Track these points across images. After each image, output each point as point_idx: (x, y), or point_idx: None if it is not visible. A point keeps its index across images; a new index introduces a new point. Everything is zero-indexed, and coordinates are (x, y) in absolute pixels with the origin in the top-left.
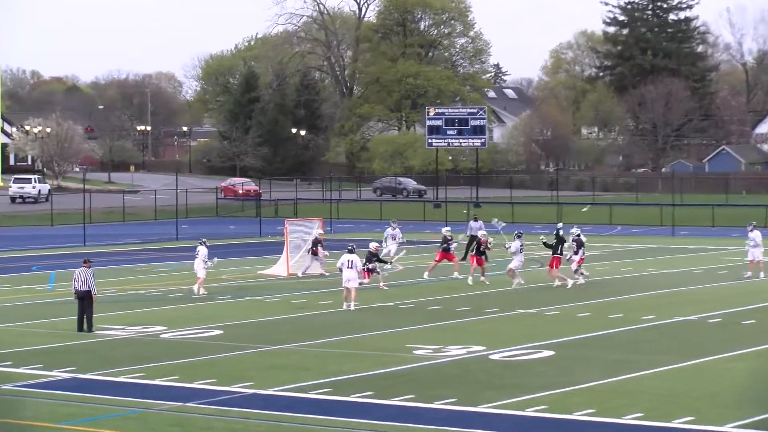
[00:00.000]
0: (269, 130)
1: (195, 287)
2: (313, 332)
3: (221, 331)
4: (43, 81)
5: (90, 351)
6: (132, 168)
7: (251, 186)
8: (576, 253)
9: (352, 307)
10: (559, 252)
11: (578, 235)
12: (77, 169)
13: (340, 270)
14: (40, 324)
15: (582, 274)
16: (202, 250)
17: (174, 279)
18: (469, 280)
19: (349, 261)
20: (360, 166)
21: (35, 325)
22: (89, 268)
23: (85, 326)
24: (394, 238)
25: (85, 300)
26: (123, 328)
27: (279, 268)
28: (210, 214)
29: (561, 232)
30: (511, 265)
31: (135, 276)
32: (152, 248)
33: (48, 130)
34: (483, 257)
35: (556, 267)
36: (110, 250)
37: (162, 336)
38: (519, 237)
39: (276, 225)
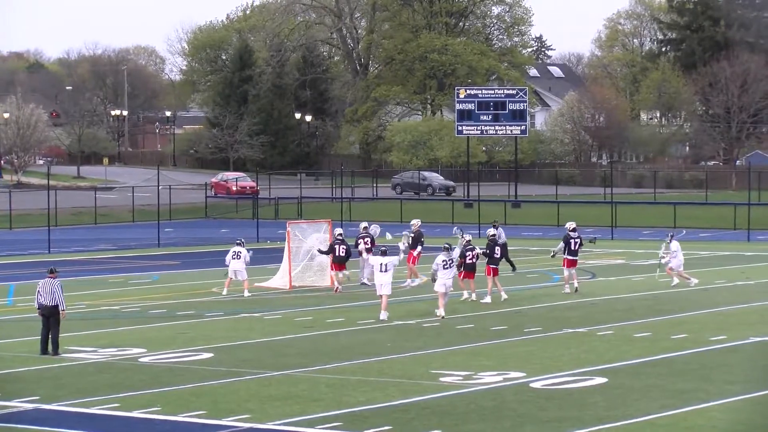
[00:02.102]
0: (268, 115)
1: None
2: (323, 355)
3: (211, 354)
4: (1, 57)
5: (56, 377)
6: (105, 160)
7: (247, 182)
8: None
9: (384, 316)
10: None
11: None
12: (41, 162)
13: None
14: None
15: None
16: (243, 251)
17: (155, 293)
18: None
19: (383, 265)
20: (376, 159)
21: None
22: (55, 279)
23: (50, 348)
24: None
25: (50, 317)
26: (95, 351)
27: (280, 280)
28: (198, 215)
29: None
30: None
31: (109, 289)
32: (130, 255)
33: (6, 115)
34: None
35: (568, 266)
36: (79, 258)
37: (141, 360)
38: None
39: (276, 228)
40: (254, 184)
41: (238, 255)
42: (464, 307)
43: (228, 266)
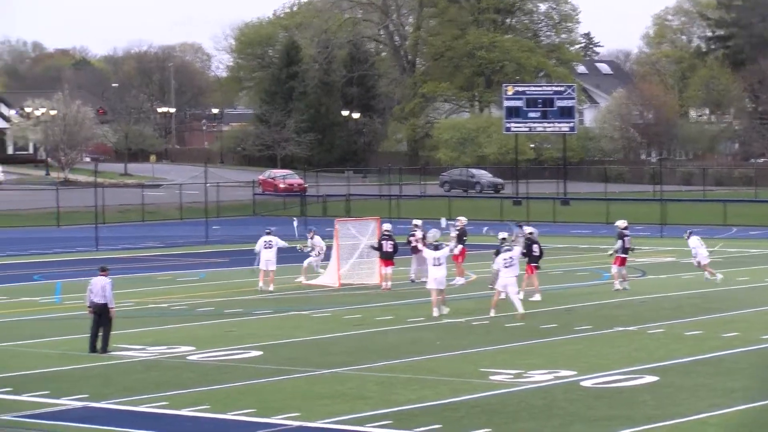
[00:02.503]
0: (315, 112)
1: (268, 285)
2: (371, 353)
3: (260, 353)
4: (47, 54)
5: (105, 375)
6: (152, 158)
7: (294, 179)
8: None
9: (445, 311)
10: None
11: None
12: (87, 159)
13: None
14: (45, 343)
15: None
16: (275, 240)
17: (203, 290)
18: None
19: (436, 258)
20: (424, 156)
21: (39, 344)
22: (107, 277)
23: (99, 346)
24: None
25: (101, 315)
26: (143, 349)
27: (328, 278)
28: (246, 212)
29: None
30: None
31: (157, 287)
32: (177, 253)
33: (53, 112)
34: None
35: (620, 264)
36: (127, 256)
37: (189, 358)
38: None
39: (324, 225)
40: (302, 181)
41: (269, 244)
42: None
43: (258, 255)
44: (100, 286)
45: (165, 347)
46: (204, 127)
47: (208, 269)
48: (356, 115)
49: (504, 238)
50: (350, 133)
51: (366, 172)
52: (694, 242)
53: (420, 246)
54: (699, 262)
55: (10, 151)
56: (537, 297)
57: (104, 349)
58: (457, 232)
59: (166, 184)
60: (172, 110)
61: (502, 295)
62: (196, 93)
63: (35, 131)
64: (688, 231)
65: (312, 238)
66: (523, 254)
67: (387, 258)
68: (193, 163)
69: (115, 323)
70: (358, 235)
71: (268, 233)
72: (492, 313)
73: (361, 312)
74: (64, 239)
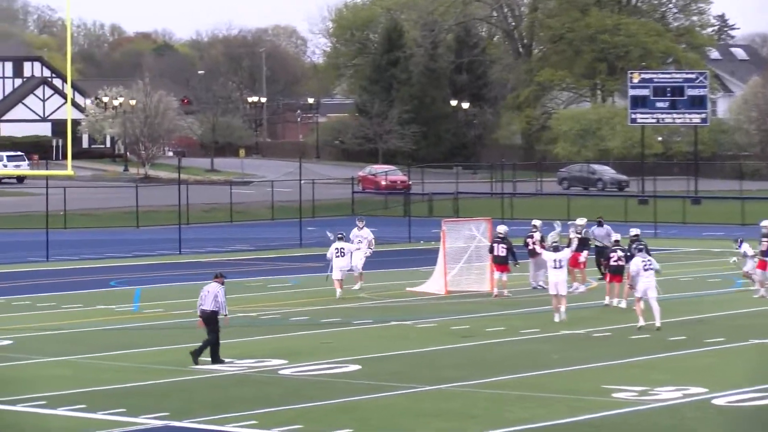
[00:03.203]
0: (420, 102)
1: (355, 284)
2: (481, 368)
3: (359, 366)
4: (126, 38)
5: (188, 391)
6: (241, 152)
7: (398, 176)
8: None
9: (564, 317)
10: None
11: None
12: (170, 154)
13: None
14: (122, 356)
15: None
16: (347, 247)
17: (297, 298)
18: (622, 304)
19: (557, 261)
20: (540, 150)
21: (115, 357)
22: (222, 284)
23: (202, 357)
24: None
25: (209, 323)
26: (231, 362)
27: (434, 284)
28: (344, 212)
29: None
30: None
31: (245, 293)
32: (269, 257)
33: (132, 101)
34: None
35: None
36: (213, 260)
37: (281, 372)
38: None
39: (430, 227)
40: (405, 178)
41: (341, 252)
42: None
43: (330, 263)
44: (212, 293)
45: (254, 360)
46: (298, 119)
47: (302, 275)
48: (465, 105)
49: (636, 235)
50: (459, 124)
51: (476, 168)
52: (745, 249)
53: (538, 249)
54: (748, 271)
55: (85, 144)
56: (623, 304)
57: (214, 359)
58: (578, 236)
59: (257, 181)
60: (264, 100)
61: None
62: (290, 81)
63: (113, 123)
64: (739, 239)
65: (361, 229)
66: (626, 256)
67: (499, 263)
68: (287, 158)
69: (200, 333)
70: (468, 238)
71: (340, 238)
72: (641, 322)
73: (469, 322)
74: (143, 241)
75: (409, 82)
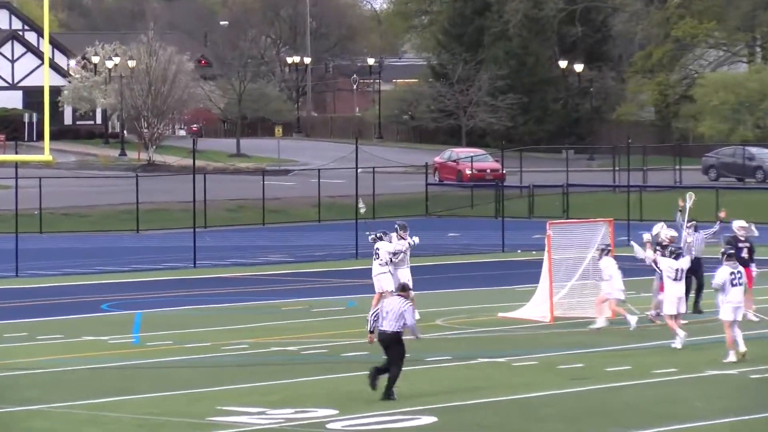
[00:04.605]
0: (518, 63)
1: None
2: (598, 418)
3: (434, 419)
4: None
5: None
6: (278, 130)
7: (487, 162)
8: None
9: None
10: None
11: None
12: (182, 133)
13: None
14: (116, 404)
15: None
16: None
17: (352, 326)
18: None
19: (736, 272)
20: (679, 129)
21: (107, 405)
22: (409, 299)
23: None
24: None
25: (389, 347)
26: (262, 412)
27: (535, 308)
28: (415, 210)
29: None
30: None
31: (284, 320)
32: (314, 271)
33: (131, 63)
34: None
35: None
36: (239, 275)
37: (329, 426)
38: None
39: (531, 230)
40: (498, 165)
41: (377, 254)
42: None
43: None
44: (398, 311)
45: (293, 410)
46: (354, 86)
47: (361, 295)
48: (579, 68)
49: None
50: (570, 93)
51: (593, 152)
52: None
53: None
54: None
55: (68, 120)
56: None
57: (388, 394)
58: (746, 245)
59: (298, 170)
60: (308, 61)
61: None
62: (344, 36)
63: (106, 92)
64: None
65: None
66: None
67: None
68: (338, 138)
69: (222, 374)
70: (581, 246)
71: (380, 238)
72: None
73: (583, 359)
74: (146, 250)
75: (504, 37)
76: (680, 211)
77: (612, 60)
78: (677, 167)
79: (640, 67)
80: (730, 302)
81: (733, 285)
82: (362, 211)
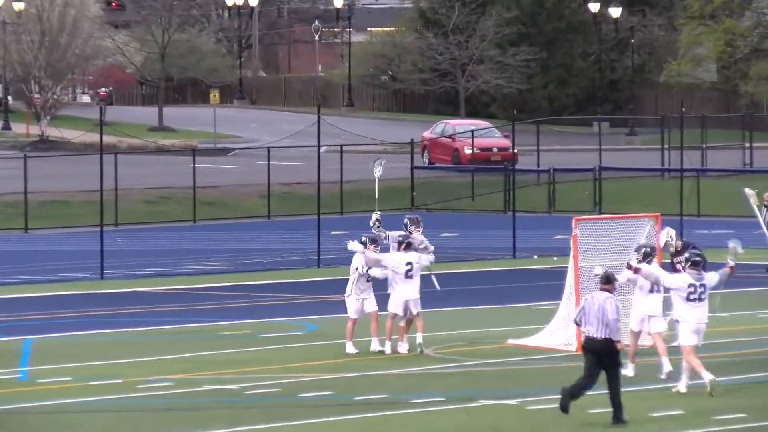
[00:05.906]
0: (533, 5)
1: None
2: None
3: None
4: None
5: None
6: (214, 96)
7: (493, 139)
8: None
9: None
10: None
11: None
12: (86, 99)
13: None
14: None
15: None
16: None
17: (312, 357)
18: None
19: (698, 285)
20: (749, 94)
21: None
22: (612, 293)
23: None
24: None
25: (604, 357)
26: None
27: (556, 334)
28: (397, 202)
29: None
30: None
31: (221, 350)
32: (262, 283)
33: (19, 5)
34: None
35: None
36: (161, 289)
37: None
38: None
39: (551, 228)
40: (507, 142)
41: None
42: None
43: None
44: (600, 309)
45: None
46: (317, 37)
47: (323, 315)
48: (616, 12)
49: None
50: (604, 46)
51: (634, 125)
52: None
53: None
54: None
55: None
56: None
57: (617, 418)
58: None
59: (241, 148)
60: (254, 2)
61: None
62: None
63: None
64: None
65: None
66: None
67: None
68: (295, 107)
69: (140, 423)
70: (618, 250)
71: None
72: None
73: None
74: (37, 255)
75: None
76: (766, 205)
77: (660, 2)
78: (747, 144)
79: (698, 11)
80: (688, 322)
81: (689, 300)
82: (377, 174)
